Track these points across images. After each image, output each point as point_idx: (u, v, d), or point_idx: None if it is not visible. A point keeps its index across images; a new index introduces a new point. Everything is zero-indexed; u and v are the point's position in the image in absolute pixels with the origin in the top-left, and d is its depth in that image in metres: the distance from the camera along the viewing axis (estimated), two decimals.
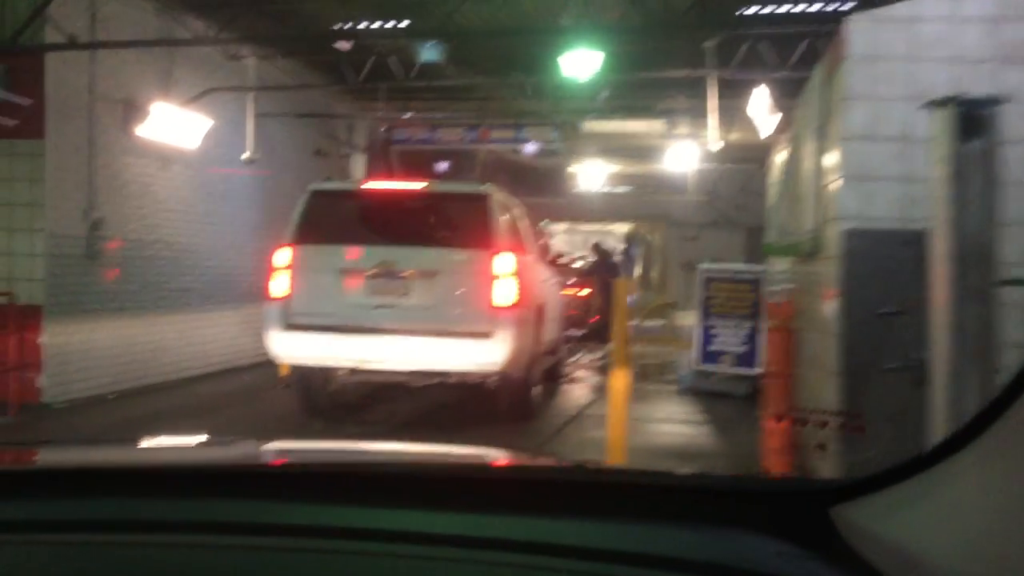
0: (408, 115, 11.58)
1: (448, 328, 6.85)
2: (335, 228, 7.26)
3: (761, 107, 8.35)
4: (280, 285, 7.15)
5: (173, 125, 9.35)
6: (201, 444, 2.02)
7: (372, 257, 7.02)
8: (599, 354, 14.74)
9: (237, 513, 1.06)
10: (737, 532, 1.00)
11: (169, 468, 1.35)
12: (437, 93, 12.51)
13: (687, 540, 0.99)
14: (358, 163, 14.83)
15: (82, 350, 8.44)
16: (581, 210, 20.76)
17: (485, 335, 6.84)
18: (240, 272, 11.32)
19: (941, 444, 0.90)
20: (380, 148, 14.82)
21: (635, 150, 18.46)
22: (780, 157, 8.53)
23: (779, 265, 8.70)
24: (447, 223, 7.31)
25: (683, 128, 15.25)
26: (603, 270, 17.61)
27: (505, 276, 6.97)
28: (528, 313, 7.36)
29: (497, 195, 7.58)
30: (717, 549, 0.97)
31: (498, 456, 1.69)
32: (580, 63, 9.40)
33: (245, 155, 10.35)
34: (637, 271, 24.12)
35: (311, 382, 7.61)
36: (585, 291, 16.48)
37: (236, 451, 1.74)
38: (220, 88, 9.94)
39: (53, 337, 8.06)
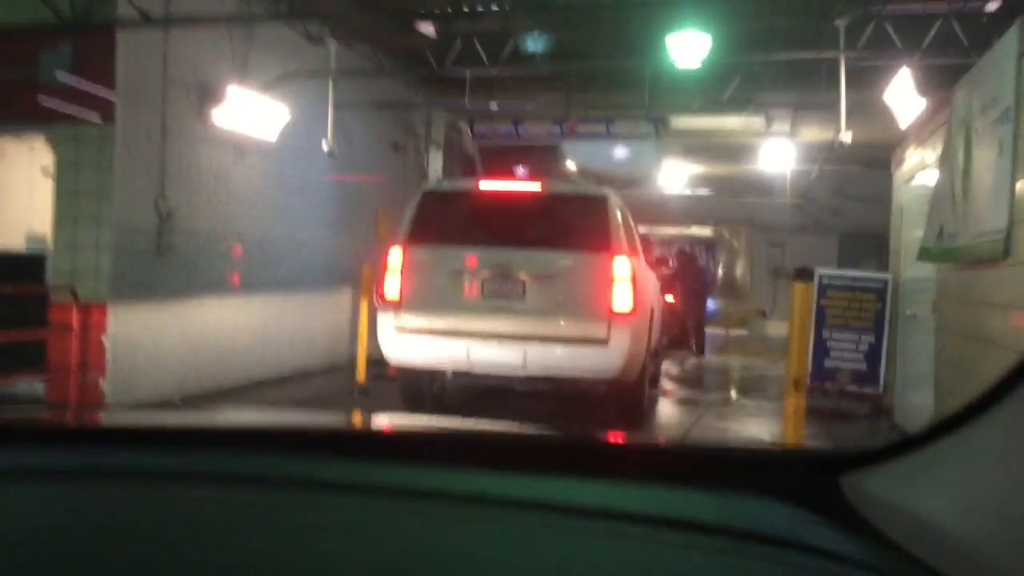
0: (493, 104, 10.84)
1: (564, 333, 6.74)
2: (448, 230, 7.12)
3: (903, 92, 7.38)
4: (392, 287, 7.03)
5: (249, 112, 8.74)
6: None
7: (487, 260, 6.89)
8: (688, 363, 13.81)
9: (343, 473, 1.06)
10: (747, 496, 1.02)
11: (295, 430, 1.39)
12: (522, 84, 11.75)
13: (700, 503, 1.00)
14: (436, 159, 14.16)
15: (149, 351, 7.87)
16: (661, 212, 19.80)
17: (602, 341, 6.69)
18: (316, 270, 10.70)
19: (955, 414, 0.87)
20: (459, 143, 14.12)
21: (722, 149, 17.43)
22: (926, 152, 7.55)
23: (917, 272, 7.72)
24: (564, 225, 7.08)
25: (783, 124, 14.24)
26: (688, 275, 16.64)
27: (622, 281, 6.76)
28: (643, 319, 7.18)
29: (614, 197, 7.32)
30: (728, 512, 0.98)
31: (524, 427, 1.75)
32: (689, 47, 8.54)
33: (326, 146, 9.70)
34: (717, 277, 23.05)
35: (417, 384, 7.51)
36: (670, 296, 15.56)
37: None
38: (298, 72, 9.31)
39: (118, 337, 7.48)
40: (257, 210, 9.43)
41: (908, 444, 0.94)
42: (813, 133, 15.15)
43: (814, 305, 9.31)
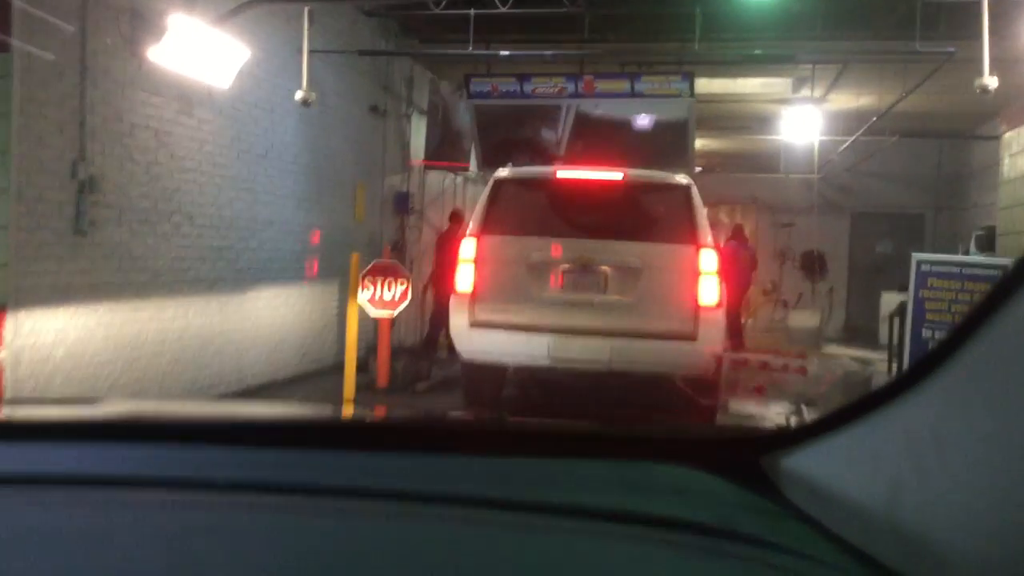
0: (505, 53, 8.86)
1: (649, 328, 6.50)
2: (525, 219, 6.86)
3: None
4: (466, 280, 6.78)
5: (200, 50, 6.67)
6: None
7: (567, 251, 6.66)
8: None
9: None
10: (661, 477, 1.01)
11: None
12: (529, 29, 9.81)
13: (612, 488, 0.99)
14: (419, 125, 12.15)
15: (66, 368, 5.80)
16: None
17: (690, 336, 6.50)
18: (284, 256, 8.66)
19: (879, 391, 0.86)
20: (445, 106, 12.11)
21: (727, 119, 15.67)
22: None
23: None
24: (646, 215, 6.93)
25: (811, 88, 12.47)
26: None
27: (709, 274, 6.55)
28: (724, 311, 6.99)
29: (695, 185, 7.00)
30: (640, 495, 0.96)
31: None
32: None
33: (299, 94, 7.64)
34: None
35: (480, 382, 7.20)
36: None
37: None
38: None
39: (21, 351, 5.41)
40: (210, 179, 7.37)
41: (833, 421, 0.91)
42: (843, 100, 13.48)
43: (911, 298, 7.59)
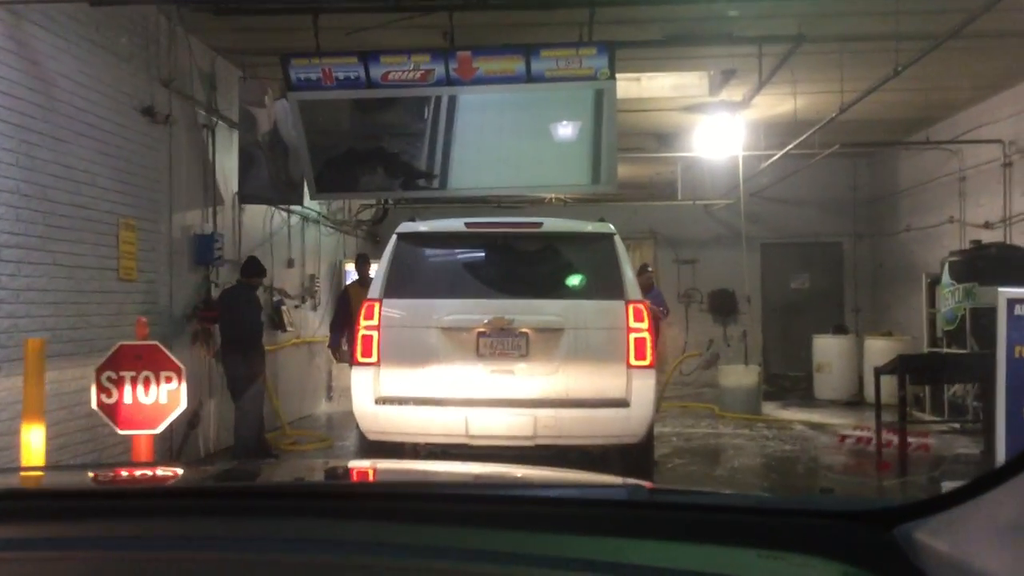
0: None
1: (579, 395, 5.88)
2: (434, 279, 6.26)
3: None
4: (369, 350, 5.97)
5: None
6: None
7: (483, 313, 5.91)
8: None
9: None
10: (800, 555, 0.99)
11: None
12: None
13: (749, 563, 0.98)
14: (232, 141, 8.78)
15: None
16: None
17: (622, 402, 5.87)
18: None
19: (1008, 463, 0.86)
20: (255, 109, 8.79)
21: (626, 135, 12.94)
22: None
23: None
24: (568, 269, 6.34)
25: (733, 90, 9.85)
26: None
27: (640, 331, 5.88)
28: (656, 371, 6.13)
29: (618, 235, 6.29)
30: (773, 565, 0.95)
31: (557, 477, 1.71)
32: None
33: None
34: None
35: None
36: None
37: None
38: None
39: None
40: None
41: (963, 493, 0.90)
42: (769, 103, 10.99)
43: (1001, 355, 4.80)
